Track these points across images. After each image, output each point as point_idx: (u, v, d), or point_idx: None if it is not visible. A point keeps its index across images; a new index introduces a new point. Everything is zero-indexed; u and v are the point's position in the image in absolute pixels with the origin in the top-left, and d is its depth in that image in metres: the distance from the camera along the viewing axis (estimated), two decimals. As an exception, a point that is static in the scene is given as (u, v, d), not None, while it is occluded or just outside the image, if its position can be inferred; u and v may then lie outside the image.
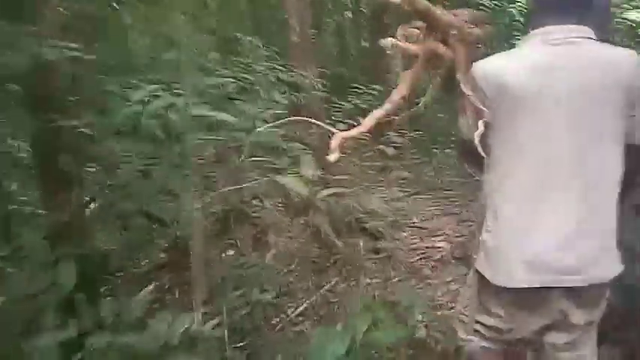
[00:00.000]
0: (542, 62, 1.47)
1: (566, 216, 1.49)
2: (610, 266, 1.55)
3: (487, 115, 1.49)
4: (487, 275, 1.61)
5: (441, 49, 1.52)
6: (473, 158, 1.62)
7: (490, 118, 1.49)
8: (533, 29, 1.54)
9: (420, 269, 3.96)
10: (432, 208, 5.28)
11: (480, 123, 1.45)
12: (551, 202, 1.49)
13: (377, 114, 1.46)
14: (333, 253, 3.92)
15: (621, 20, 6.27)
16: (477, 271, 1.68)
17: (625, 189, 1.53)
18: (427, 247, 4.29)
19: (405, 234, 4.64)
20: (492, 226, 1.60)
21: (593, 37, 1.50)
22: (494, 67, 1.51)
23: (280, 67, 3.90)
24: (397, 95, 1.49)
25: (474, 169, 1.73)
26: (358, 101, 6.14)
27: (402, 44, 1.49)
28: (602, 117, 1.47)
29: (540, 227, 1.51)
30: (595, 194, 1.49)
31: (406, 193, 5.44)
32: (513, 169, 1.53)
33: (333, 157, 1.36)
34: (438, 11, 1.48)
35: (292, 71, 3.87)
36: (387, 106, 1.49)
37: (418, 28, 1.60)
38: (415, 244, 4.48)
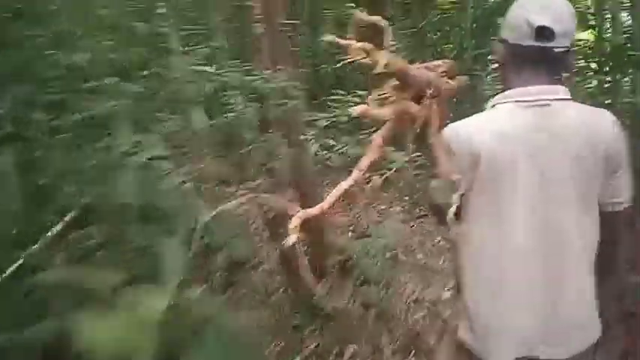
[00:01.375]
0: (516, 127, 1.43)
1: (543, 286, 1.48)
2: (589, 334, 1.53)
3: (461, 182, 1.47)
4: (471, 345, 1.57)
5: (414, 108, 1.48)
6: (445, 218, 1.57)
7: (464, 184, 1.48)
8: (504, 90, 1.50)
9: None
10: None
11: (455, 196, 1.44)
12: (528, 271, 1.47)
13: (343, 186, 1.40)
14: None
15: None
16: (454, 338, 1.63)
17: (602, 261, 1.53)
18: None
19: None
20: (469, 293, 1.58)
21: (568, 96, 1.46)
22: (466, 132, 1.46)
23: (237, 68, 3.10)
24: (366, 162, 1.43)
25: (448, 231, 1.68)
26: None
27: (373, 111, 1.46)
28: (577, 183, 1.44)
29: (516, 297, 1.49)
30: (572, 261, 1.47)
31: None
32: (488, 237, 1.51)
33: (292, 239, 1.30)
34: (414, 70, 1.46)
35: (257, 74, 3.05)
36: (355, 175, 1.42)
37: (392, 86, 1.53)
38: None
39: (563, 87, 1.47)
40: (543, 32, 1.39)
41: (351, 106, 1.97)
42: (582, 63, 7.02)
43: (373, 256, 3.80)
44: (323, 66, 8.80)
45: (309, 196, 3.93)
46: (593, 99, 5.85)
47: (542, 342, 1.49)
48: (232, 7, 6.36)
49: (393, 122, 1.46)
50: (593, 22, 7.03)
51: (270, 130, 3.23)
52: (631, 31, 5.66)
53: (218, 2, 5.86)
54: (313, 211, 1.39)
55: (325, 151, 3.00)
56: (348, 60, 1.35)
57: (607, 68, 5.83)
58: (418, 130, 1.50)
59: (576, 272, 1.49)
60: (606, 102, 5.73)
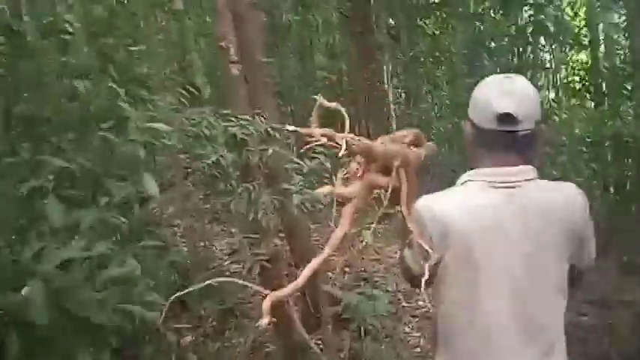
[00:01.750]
0: (486, 206, 1.47)
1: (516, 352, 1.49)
2: None
3: (432, 254, 1.46)
4: None
5: (382, 180, 1.51)
6: (420, 285, 1.54)
7: (435, 256, 1.47)
8: (474, 167, 1.53)
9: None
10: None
11: (426, 269, 1.42)
12: (499, 346, 1.49)
13: (315, 264, 1.40)
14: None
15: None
16: None
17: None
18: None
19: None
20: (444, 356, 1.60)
21: (535, 176, 1.50)
22: (438, 207, 1.49)
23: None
24: (337, 236, 1.43)
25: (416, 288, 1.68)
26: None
27: (341, 191, 1.49)
28: (546, 263, 1.49)
29: None
30: (543, 337, 1.51)
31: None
32: (457, 309, 1.54)
33: (264, 321, 1.31)
34: (379, 146, 1.49)
35: (232, 119, 2.81)
36: (327, 250, 1.43)
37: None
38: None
39: (531, 166, 1.50)
40: (506, 118, 1.42)
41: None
42: (578, 85, 6.96)
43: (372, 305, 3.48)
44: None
45: (298, 246, 3.76)
46: (592, 123, 5.72)
47: None
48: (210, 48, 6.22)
49: (361, 196, 1.50)
50: (586, 43, 6.93)
51: (251, 179, 2.97)
52: (628, 52, 5.49)
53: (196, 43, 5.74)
54: (286, 291, 1.39)
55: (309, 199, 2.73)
56: (310, 145, 1.41)
57: (605, 91, 5.70)
58: (386, 202, 1.53)
59: (552, 343, 1.54)
60: (608, 124, 5.56)
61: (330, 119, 1.60)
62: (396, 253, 5.15)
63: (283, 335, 3.49)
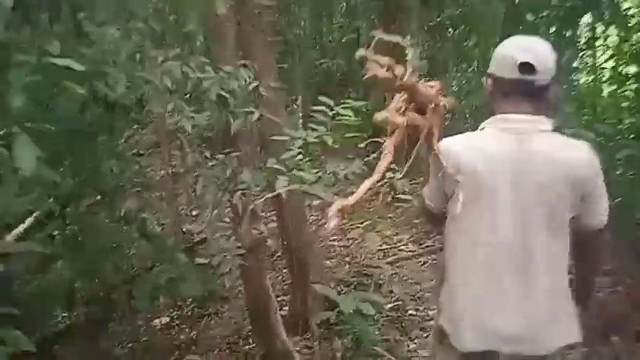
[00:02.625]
0: (497, 150, 1.59)
1: (512, 291, 1.59)
2: (558, 336, 1.62)
3: (447, 188, 1.65)
4: (447, 330, 1.71)
5: (420, 120, 1.59)
6: (434, 223, 1.90)
7: (448, 192, 1.66)
8: (493, 114, 1.66)
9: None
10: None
11: (459, 204, 1.51)
12: (501, 282, 1.60)
13: (368, 183, 1.45)
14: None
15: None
16: (437, 329, 1.79)
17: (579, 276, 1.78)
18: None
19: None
20: (447, 289, 1.73)
21: (549, 127, 1.61)
22: (454, 148, 1.63)
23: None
24: (384, 164, 1.49)
25: (435, 231, 2.27)
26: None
27: (393, 119, 1.54)
28: (546, 208, 1.57)
29: (487, 295, 1.62)
30: (538, 273, 1.59)
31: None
32: (465, 246, 1.66)
33: (332, 224, 1.37)
34: (422, 86, 1.59)
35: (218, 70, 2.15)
36: (376, 175, 1.48)
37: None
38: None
39: (546, 118, 1.62)
40: (525, 67, 1.56)
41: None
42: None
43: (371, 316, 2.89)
44: (323, 61, 7.90)
45: (293, 231, 3.44)
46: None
47: (508, 339, 1.59)
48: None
49: (403, 130, 1.53)
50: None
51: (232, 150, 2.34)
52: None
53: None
54: (349, 200, 1.40)
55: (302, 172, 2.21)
56: (368, 75, 1.42)
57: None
58: (422, 140, 1.57)
59: (553, 286, 1.61)
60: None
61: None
62: (406, 244, 4.54)
63: (265, 341, 3.06)
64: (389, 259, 4.27)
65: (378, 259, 4.31)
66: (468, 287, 1.64)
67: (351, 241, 4.67)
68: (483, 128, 1.66)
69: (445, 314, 1.72)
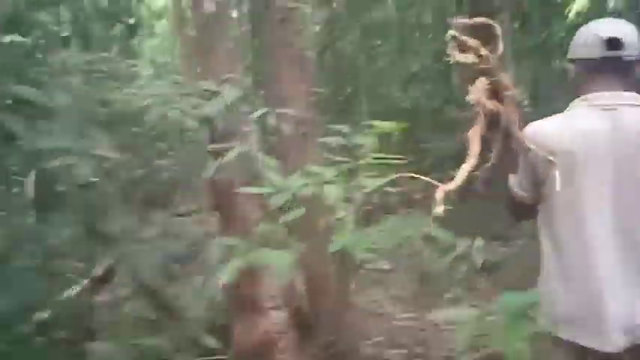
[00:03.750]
0: (590, 128, 1.59)
1: (621, 279, 1.59)
2: None
3: (540, 173, 1.64)
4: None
5: (500, 108, 1.57)
6: (525, 215, 1.84)
7: (542, 178, 1.65)
8: (579, 94, 1.67)
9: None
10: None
11: (557, 183, 1.48)
12: (596, 260, 1.60)
13: (467, 167, 1.50)
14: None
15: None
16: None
17: None
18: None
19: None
20: (552, 283, 1.69)
21: (637, 103, 1.61)
22: (546, 130, 1.63)
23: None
24: (475, 148, 1.52)
25: (518, 218, 1.94)
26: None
27: (485, 102, 1.53)
28: None
29: (593, 288, 1.60)
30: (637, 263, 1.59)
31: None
32: (561, 226, 1.66)
33: (440, 209, 1.42)
34: (504, 74, 1.57)
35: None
36: (472, 159, 1.51)
37: None
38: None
39: (635, 94, 1.63)
40: (612, 42, 1.57)
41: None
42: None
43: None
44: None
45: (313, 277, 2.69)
46: None
47: (622, 332, 1.58)
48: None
49: (485, 119, 1.54)
50: None
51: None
52: None
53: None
54: (452, 185, 1.46)
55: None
56: (452, 60, 1.49)
57: None
58: (504, 129, 1.57)
59: None
60: None
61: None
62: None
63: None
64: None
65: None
66: (579, 278, 1.61)
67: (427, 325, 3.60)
68: (570, 108, 1.68)
69: (554, 311, 1.66)
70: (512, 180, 1.75)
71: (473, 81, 1.58)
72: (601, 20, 1.70)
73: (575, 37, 1.70)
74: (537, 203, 1.71)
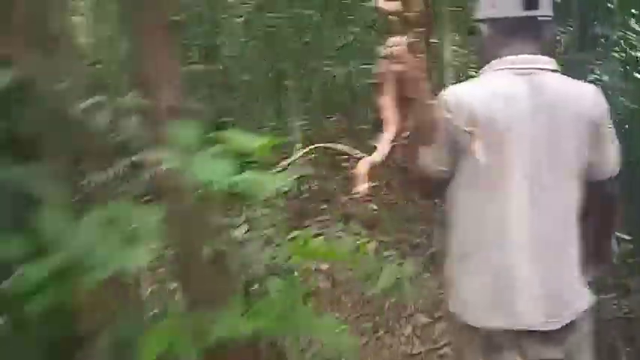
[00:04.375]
0: (511, 92, 1.52)
1: (534, 255, 1.53)
2: (579, 303, 1.58)
3: (461, 145, 1.49)
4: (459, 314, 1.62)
5: (410, 71, 1.41)
6: (438, 193, 1.69)
7: (460, 147, 1.51)
8: (492, 58, 1.58)
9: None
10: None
11: (481, 154, 1.32)
12: (514, 239, 1.53)
13: (388, 136, 1.34)
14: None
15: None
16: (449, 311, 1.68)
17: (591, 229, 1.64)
18: None
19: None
20: (458, 262, 1.63)
21: (556, 67, 1.57)
22: (464, 96, 1.54)
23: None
24: (390, 118, 1.36)
25: (430, 198, 2.08)
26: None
27: (394, 65, 1.38)
28: (566, 151, 1.53)
29: (503, 265, 1.54)
30: (561, 230, 1.55)
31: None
32: (475, 200, 1.57)
33: (363, 187, 1.25)
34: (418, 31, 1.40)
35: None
36: (390, 128, 1.35)
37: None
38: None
39: (550, 58, 1.56)
40: (529, 1, 1.50)
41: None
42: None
43: None
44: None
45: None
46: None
47: (533, 313, 1.52)
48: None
49: (395, 82, 1.38)
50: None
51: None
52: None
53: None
54: (375, 157, 1.30)
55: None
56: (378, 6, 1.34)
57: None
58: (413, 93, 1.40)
59: (566, 241, 1.56)
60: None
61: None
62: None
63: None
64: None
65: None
66: (486, 255, 1.55)
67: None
68: (486, 71, 1.59)
69: (459, 291, 1.62)
70: (428, 155, 1.58)
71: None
72: None
73: None
74: (451, 178, 1.61)
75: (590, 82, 1.76)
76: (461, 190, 1.60)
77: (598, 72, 3.50)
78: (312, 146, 1.63)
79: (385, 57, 1.41)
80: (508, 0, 1.55)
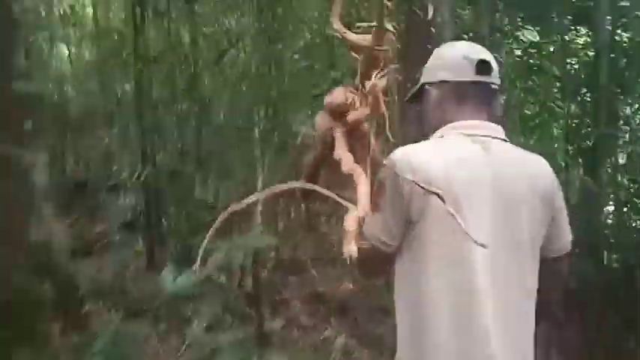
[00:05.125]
0: (467, 158, 1.44)
1: (487, 335, 1.41)
2: None
3: (413, 211, 1.40)
4: None
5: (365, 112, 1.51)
6: (378, 266, 1.56)
7: (413, 215, 1.40)
8: (441, 123, 1.53)
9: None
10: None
11: (457, 217, 1.22)
12: (471, 318, 1.41)
13: (364, 190, 1.37)
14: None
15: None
16: None
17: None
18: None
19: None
20: (408, 347, 1.49)
21: (504, 136, 1.51)
22: (420, 157, 1.42)
23: None
24: (355, 170, 1.43)
25: (375, 278, 1.92)
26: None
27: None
28: (522, 226, 1.45)
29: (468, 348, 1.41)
30: (520, 307, 1.46)
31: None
32: (428, 274, 1.43)
33: (352, 249, 1.22)
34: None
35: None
36: (363, 180, 1.41)
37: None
38: None
39: (500, 127, 1.53)
40: (483, 66, 1.48)
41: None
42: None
43: None
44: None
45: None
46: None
47: None
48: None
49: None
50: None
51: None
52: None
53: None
54: (363, 208, 1.27)
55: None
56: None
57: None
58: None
59: (524, 321, 1.48)
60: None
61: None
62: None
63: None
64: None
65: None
66: (461, 334, 1.40)
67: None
68: (441, 136, 1.52)
69: None
70: (371, 226, 1.41)
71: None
72: (464, 43, 1.61)
73: (434, 59, 1.58)
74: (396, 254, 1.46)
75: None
76: (418, 262, 1.45)
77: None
78: (287, 185, 1.46)
79: (330, 109, 1.37)
80: (461, 64, 1.52)
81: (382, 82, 1.32)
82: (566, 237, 1.56)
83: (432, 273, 1.43)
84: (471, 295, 1.41)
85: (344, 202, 1.28)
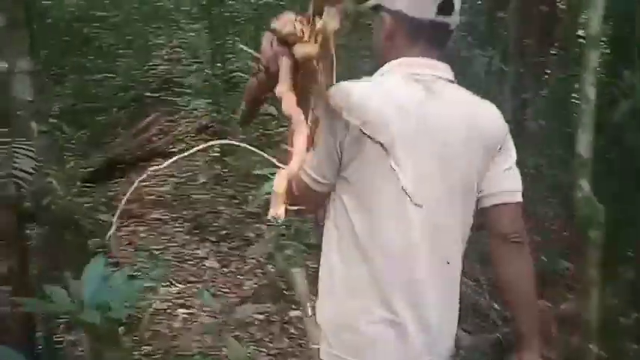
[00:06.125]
0: (408, 98, 1.40)
1: (420, 287, 1.41)
2: (453, 342, 1.52)
3: (348, 149, 1.36)
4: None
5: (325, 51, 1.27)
6: (308, 202, 1.52)
7: (346, 154, 1.38)
8: (392, 57, 1.47)
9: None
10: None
11: (391, 162, 1.19)
12: (407, 267, 1.40)
13: (302, 138, 1.12)
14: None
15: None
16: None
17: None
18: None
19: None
20: (329, 288, 1.48)
21: (452, 77, 1.47)
22: (359, 94, 1.36)
23: None
24: (297, 118, 1.16)
25: (304, 212, 1.75)
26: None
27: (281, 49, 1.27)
28: (462, 168, 1.43)
29: (390, 301, 1.40)
30: (450, 257, 1.46)
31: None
32: (368, 216, 1.40)
33: (280, 211, 0.99)
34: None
35: None
36: (303, 130, 1.14)
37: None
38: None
39: (448, 66, 1.48)
40: (445, 6, 1.41)
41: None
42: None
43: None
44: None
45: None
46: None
47: (417, 354, 1.43)
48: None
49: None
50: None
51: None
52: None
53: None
54: (294, 166, 1.09)
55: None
56: None
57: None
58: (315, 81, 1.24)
59: (453, 272, 1.48)
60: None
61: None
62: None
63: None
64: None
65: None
66: (393, 286, 1.40)
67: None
68: (384, 72, 1.47)
69: (328, 339, 1.46)
70: (310, 160, 1.33)
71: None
72: None
73: None
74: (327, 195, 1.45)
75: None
76: (351, 206, 1.42)
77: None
78: (213, 142, 1.39)
79: (276, 33, 1.23)
80: (425, 1, 1.42)
81: (334, 22, 1.16)
82: (513, 185, 1.49)
83: (367, 220, 1.40)
84: (407, 249, 1.40)
85: (272, 160, 1.11)
